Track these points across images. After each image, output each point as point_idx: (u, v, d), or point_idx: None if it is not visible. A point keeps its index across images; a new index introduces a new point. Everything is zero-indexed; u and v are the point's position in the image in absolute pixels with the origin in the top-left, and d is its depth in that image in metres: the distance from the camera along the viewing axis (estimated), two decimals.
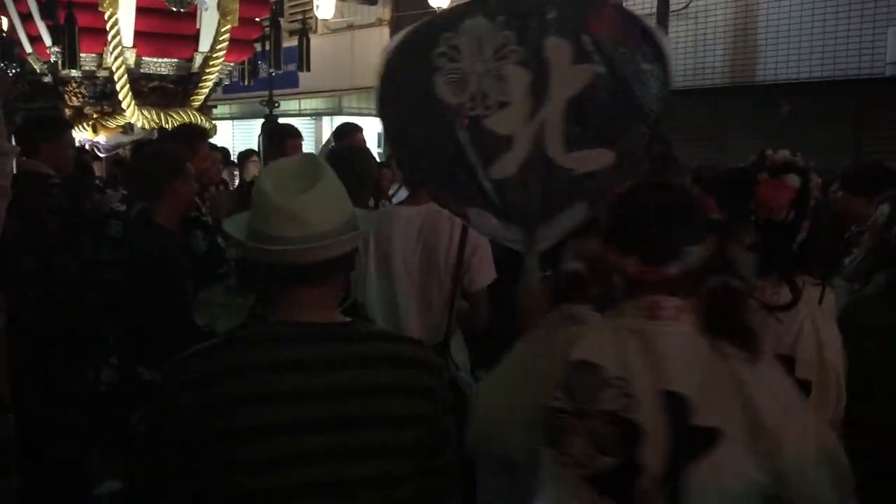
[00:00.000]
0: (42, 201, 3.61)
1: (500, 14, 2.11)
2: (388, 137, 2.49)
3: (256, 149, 9.27)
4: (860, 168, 3.99)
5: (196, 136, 4.62)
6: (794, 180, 1.94)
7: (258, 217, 1.50)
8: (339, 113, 15.01)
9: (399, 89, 2.20)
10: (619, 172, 2.05)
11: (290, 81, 13.00)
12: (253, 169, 8.01)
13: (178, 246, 3.48)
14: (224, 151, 8.03)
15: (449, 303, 3.02)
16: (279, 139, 5.05)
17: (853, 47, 8.39)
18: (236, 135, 16.70)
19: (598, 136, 2.10)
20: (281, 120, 12.54)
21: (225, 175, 6.60)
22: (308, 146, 10.62)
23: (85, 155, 6.25)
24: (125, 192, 4.82)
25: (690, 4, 9.63)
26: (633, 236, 1.59)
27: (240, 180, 7.65)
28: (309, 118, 16.10)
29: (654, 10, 8.64)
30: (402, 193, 6.53)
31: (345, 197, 1.54)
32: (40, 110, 7.36)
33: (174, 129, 6.07)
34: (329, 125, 15.08)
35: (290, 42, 9.33)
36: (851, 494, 1.56)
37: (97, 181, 5.72)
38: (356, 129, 5.20)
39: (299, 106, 15.97)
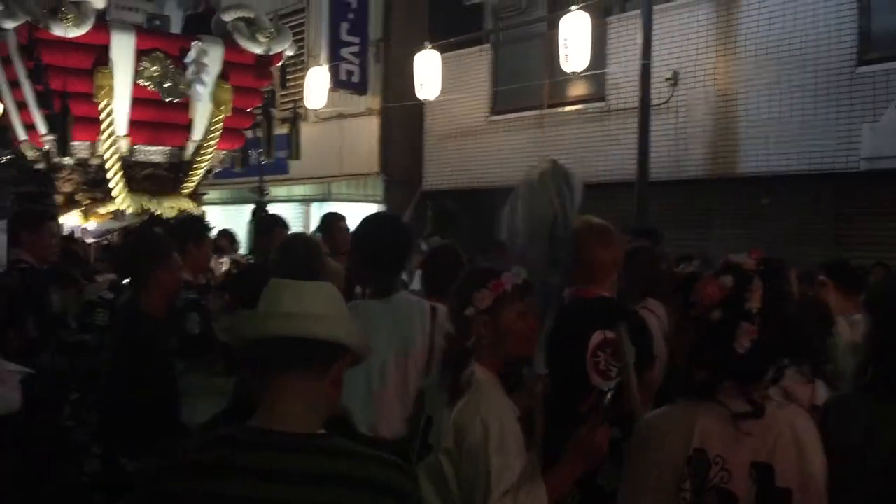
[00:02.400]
0: None
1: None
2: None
3: (246, 234, 9.28)
4: (832, 263, 4.72)
5: (194, 231, 4.38)
6: (727, 280, 1.89)
7: (261, 302, 1.60)
8: (329, 199, 15.17)
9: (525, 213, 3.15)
10: (561, 285, 2.91)
11: (281, 168, 13.15)
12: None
13: (165, 334, 3.47)
14: (229, 234, 8.01)
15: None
16: (268, 228, 5.16)
17: (829, 142, 8.62)
18: (226, 220, 16.78)
19: (554, 261, 2.89)
20: (271, 205, 12.66)
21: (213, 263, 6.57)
22: (298, 230, 10.68)
23: (73, 244, 6.27)
24: (114, 278, 4.84)
25: (671, 100, 9.92)
26: None
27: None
28: (298, 204, 16.24)
29: (637, 104, 8.89)
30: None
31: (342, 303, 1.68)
32: (30, 194, 7.44)
33: (174, 221, 6.05)
34: (318, 211, 15.19)
35: (281, 129, 9.50)
36: None
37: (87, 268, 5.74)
38: (338, 218, 5.35)
39: (289, 192, 16.14)
